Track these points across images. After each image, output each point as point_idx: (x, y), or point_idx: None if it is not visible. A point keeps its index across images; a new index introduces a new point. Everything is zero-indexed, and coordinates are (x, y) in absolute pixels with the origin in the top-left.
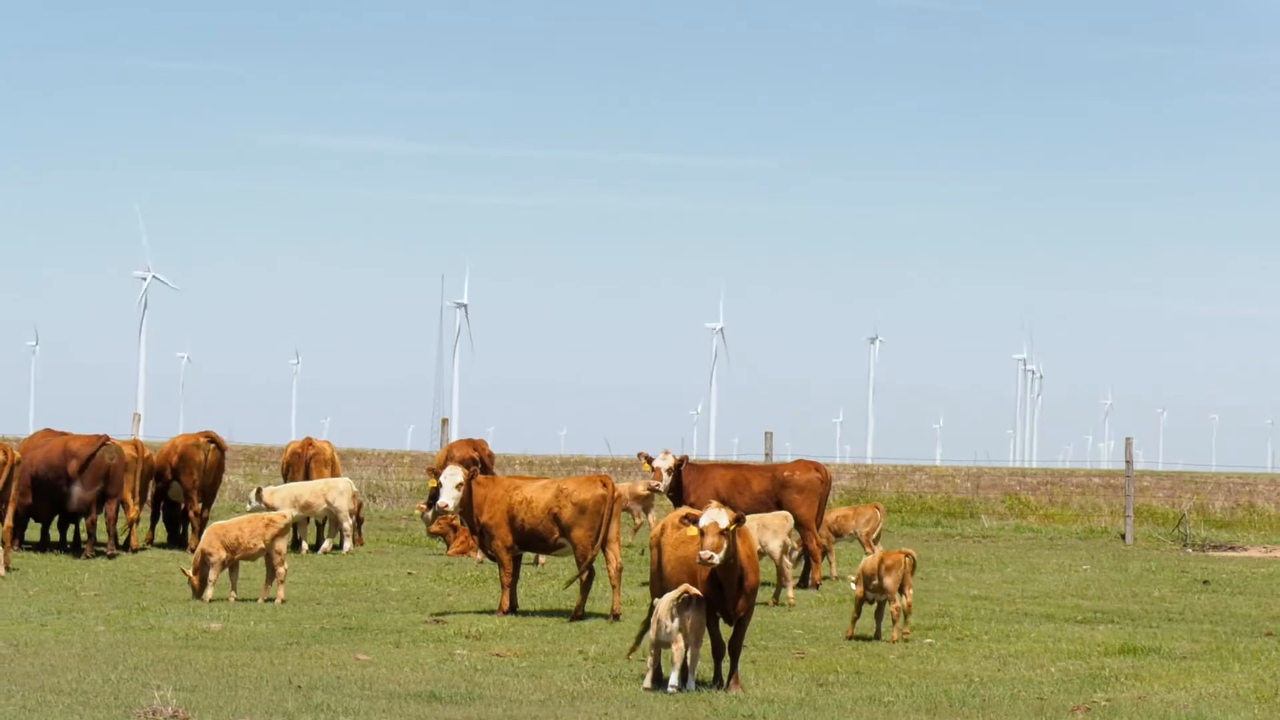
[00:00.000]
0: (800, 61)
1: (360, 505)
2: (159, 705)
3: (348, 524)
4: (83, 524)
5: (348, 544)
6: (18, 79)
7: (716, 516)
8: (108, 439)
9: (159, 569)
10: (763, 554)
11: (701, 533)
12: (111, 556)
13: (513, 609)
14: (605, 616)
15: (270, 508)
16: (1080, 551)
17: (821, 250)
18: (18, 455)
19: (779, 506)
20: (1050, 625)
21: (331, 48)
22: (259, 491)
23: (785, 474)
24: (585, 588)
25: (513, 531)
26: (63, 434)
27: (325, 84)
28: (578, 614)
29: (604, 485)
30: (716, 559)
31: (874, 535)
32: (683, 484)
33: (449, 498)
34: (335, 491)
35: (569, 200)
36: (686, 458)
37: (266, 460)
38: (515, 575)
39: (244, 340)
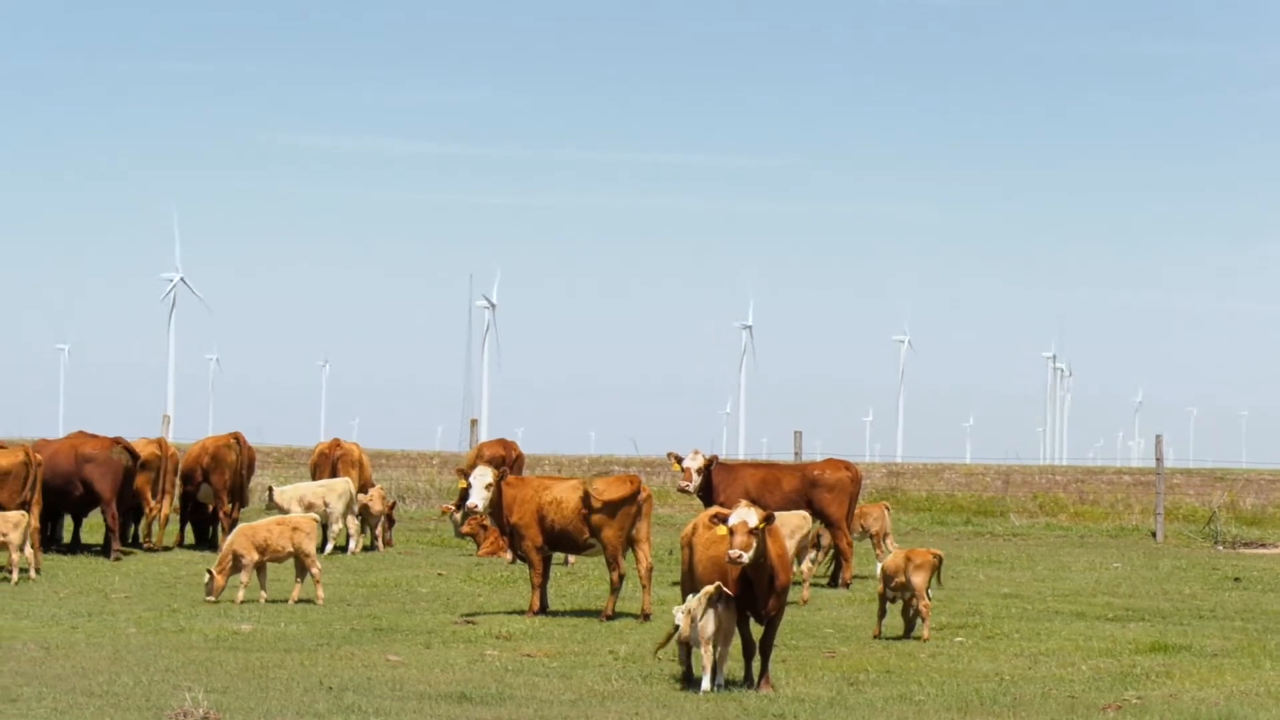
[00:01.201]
0: (830, 60)
1: (392, 506)
2: (190, 707)
3: (336, 526)
4: (86, 524)
5: (352, 544)
6: (45, 82)
7: (746, 516)
8: (120, 440)
9: (189, 571)
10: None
11: (731, 532)
12: (118, 558)
13: (543, 609)
14: (636, 616)
15: (281, 508)
16: (1111, 549)
17: (850, 249)
18: (39, 458)
19: (809, 505)
20: (1081, 623)
21: (361, 49)
22: (271, 491)
23: (815, 473)
24: (616, 588)
25: (543, 532)
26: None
27: (353, 85)
28: (608, 614)
29: (633, 485)
30: (745, 558)
31: (883, 533)
32: (713, 484)
33: (478, 498)
34: (333, 494)
35: (598, 200)
36: (716, 457)
37: (295, 461)
38: (545, 576)
39: (273, 342)
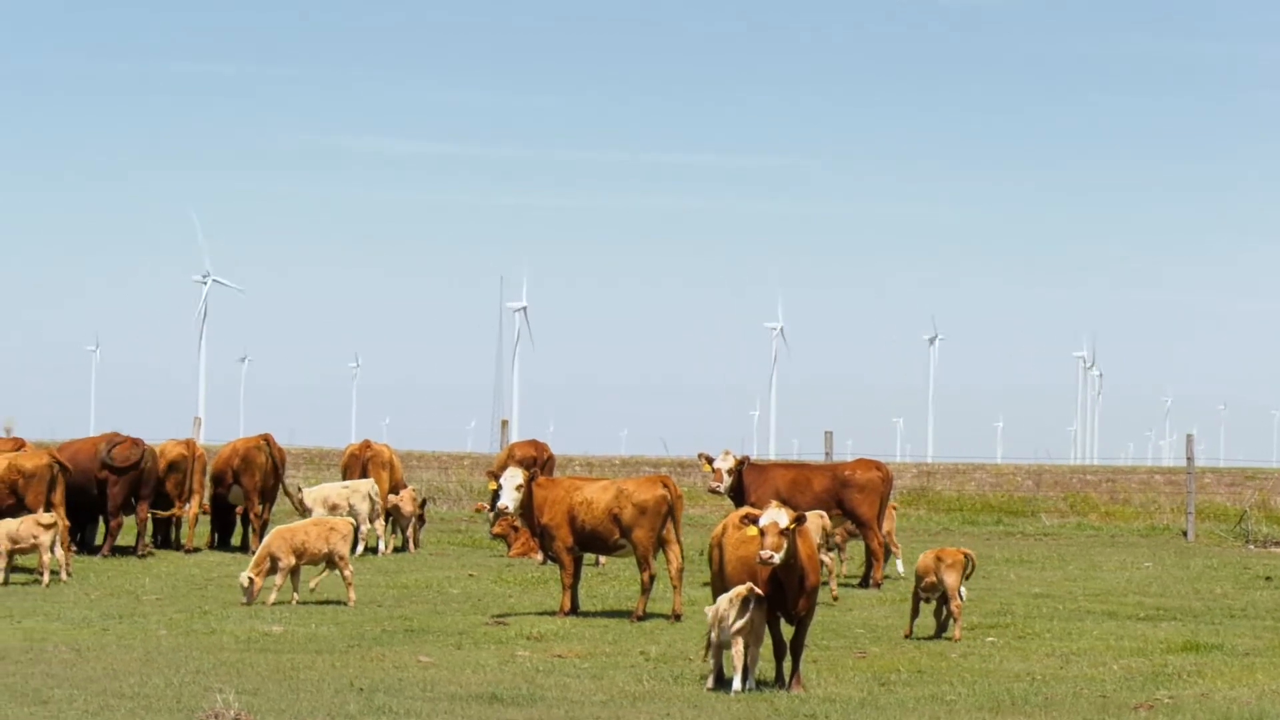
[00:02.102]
0: (861, 61)
1: (423, 505)
2: (221, 708)
3: (365, 528)
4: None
5: (382, 546)
6: (73, 85)
7: (776, 516)
8: (138, 442)
9: (220, 573)
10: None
11: (761, 533)
12: (143, 555)
13: (574, 610)
14: (667, 617)
15: (308, 509)
16: (1142, 549)
17: (880, 249)
18: (63, 461)
19: (840, 506)
20: (1112, 623)
21: (397, 51)
22: (299, 491)
23: (846, 473)
24: (646, 589)
25: (574, 532)
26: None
27: (386, 87)
28: (639, 615)
29: (664, 486)
30: (776, 559)
31: (889, 533)
32: (744, 484)
33: (509, 499)
34: (358, 495)
35: (628, 201)
36: (748, 458)
37: (327, 463)
38: (576, 576)
39: (304, 343)
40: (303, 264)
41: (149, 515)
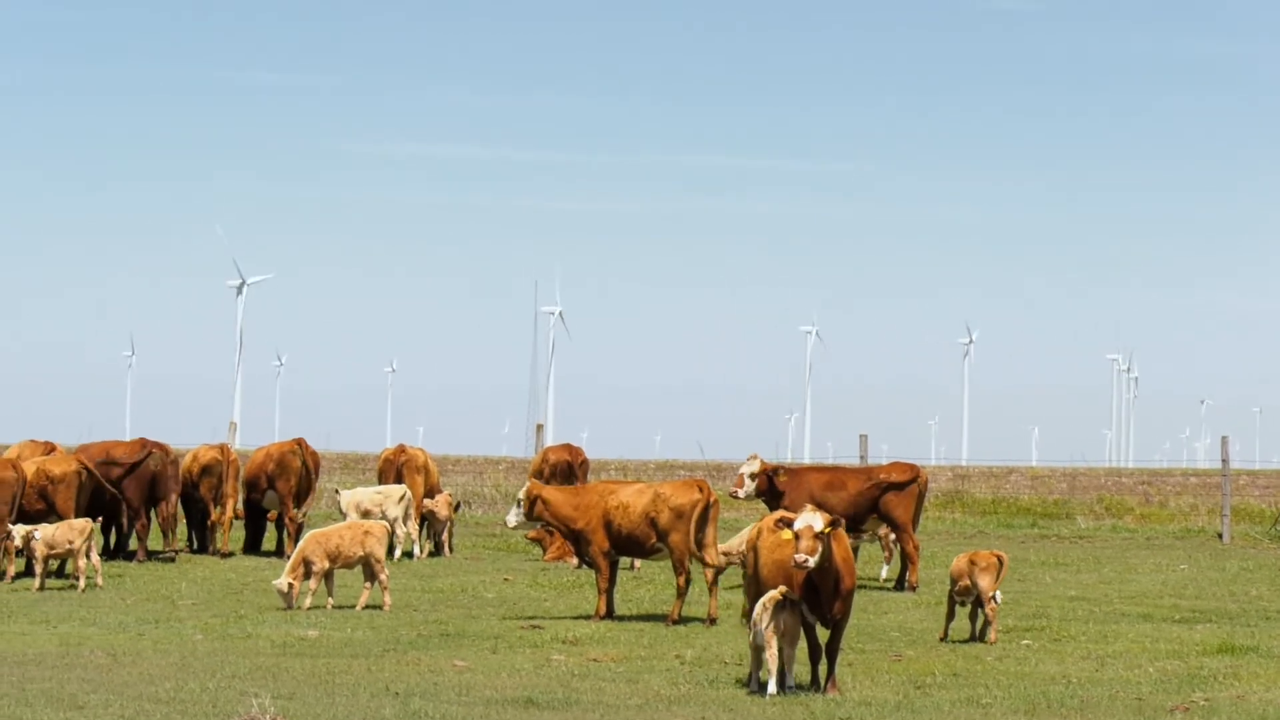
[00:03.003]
0: (892, 66)
1: (455, 508)
2: (257, 713)
3: (400, 531)
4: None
5: (416, 550)
6: (110, 89)
7: (811, 520)
8: (152, 444)
9: (255, 577)
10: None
11: (797, 536)
12: (169, 558)
13: (609, 614)
14: (702, 621)
15: (343, 513)
16: (1177, 551)
17: (915, 252)
18: (91, 466)
19: (875, 509)
20: (1148, 625)
21: (429, 56)
22: (340, 494)
23: (882, 476)
24: (682, 592)
25: (609, 536)
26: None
27: (419, 92)
28: (674, 618)
29: (701, 490)
30: (811, 563)
31: (892, 537)
32: (776, 490)
33: (511, 517)
34: (391, 500)
35: (662, 205)
36: (780, 467)
37: (362, 467)
38: (612, 580)
39: (339, 348)
40: (338, 269)
41: (174, 516)
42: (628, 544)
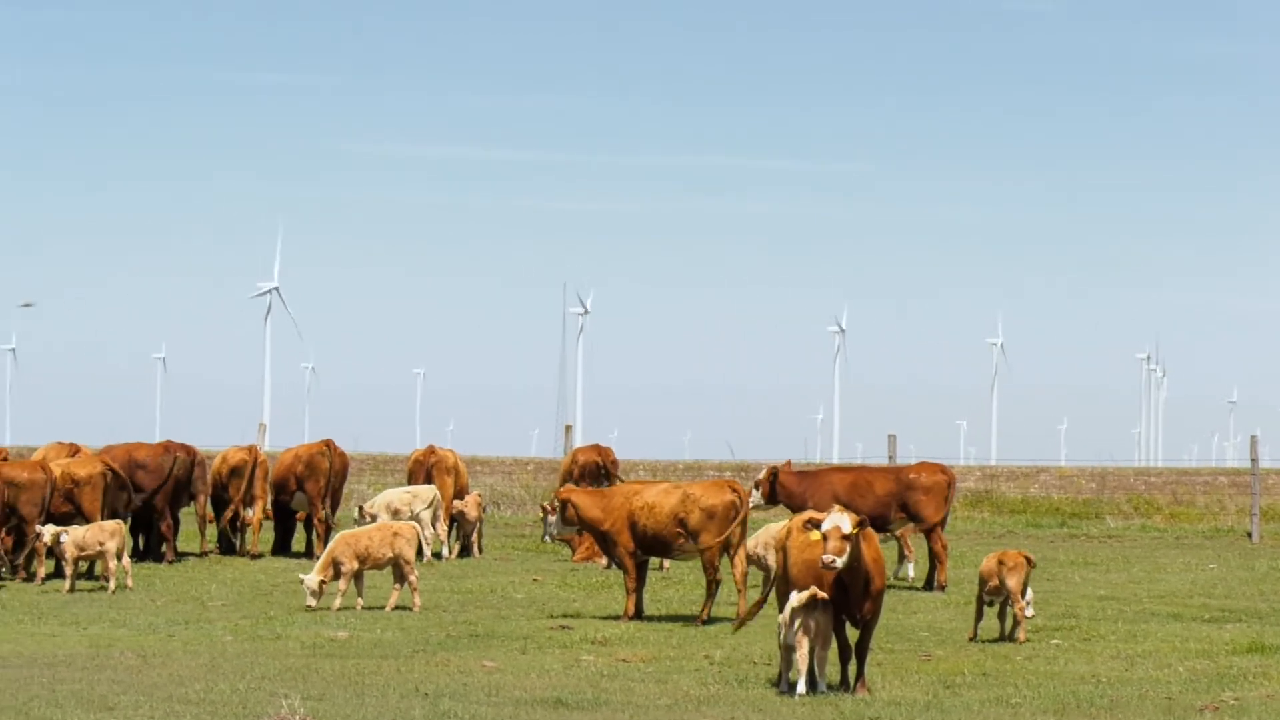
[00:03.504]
0: (920, 64)
1: (482, 509)
2: (286, 714)
3: (428, 532)
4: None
5: (445, 551)
6: (141, 92)
7: (839, 521)
8: (177, 446)
9: (285, 578)
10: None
11: (825, 537)
12: (173, 561)
13: (639, 614)
14: (731, 621)
15: (372, 518)
16: (1206, 550)
17: (942, 252)
18: (115, 467)
19: (903, 509)
20: (1177, 625)
21: (453, 58)
22: (360, 510)
23: (911, 476)
24: (711, 593)
25: (635, 537)
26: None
27: (445, 93)
28: (703, 619)
29: (733, 490)
30: (839, 563)
31: (906, 535)
32: (786, 490)
33: (554, 528)
34: (420, 500)
35: (691, 205)
36: (788, 463)
37: (390, 469)
38: (641, 581)
39: (368, 350)
40: (366, 271)
41: (205, 517)
42: (655, 544)
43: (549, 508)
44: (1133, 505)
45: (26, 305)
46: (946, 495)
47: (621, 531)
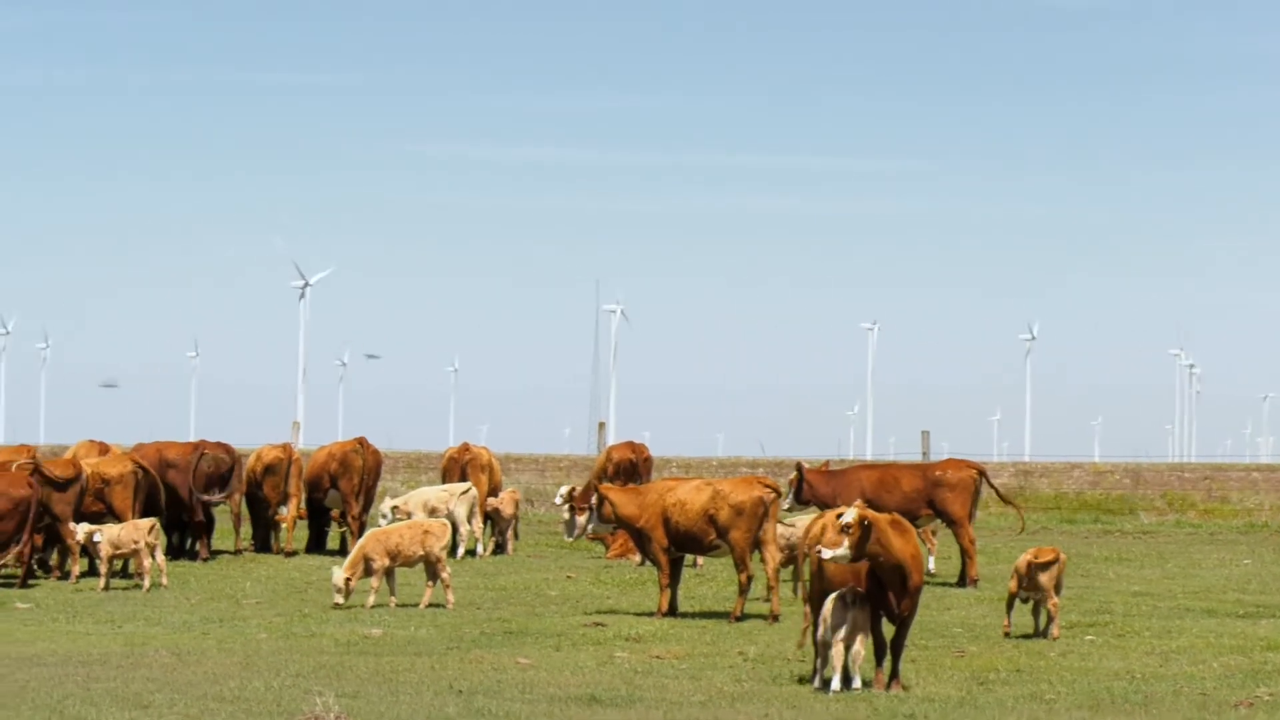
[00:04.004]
0: (946, 62)
1: (517, 506)
2: (321, 711)
3: (463, 529)
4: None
5: (480, 548)
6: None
7: (845, 515)
8: (210, 445)
9: (319, 576)
10: None
11: (822, 530)
12: (206, 559)
13: (672, 611)
14: (764, 618)
15: (407, 515)
16: (1241, 546)
17: (975, 249)
18: (146, 466)
19: (930, 505)
20: (1212, 620)
21: (491, 59)
22: (388, 504)
23: (938, 473)
24: (744, 589)
25: (668, 534)
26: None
27: (480, 93)
28: (737, 615)
29: (763, 486)
30: (828, 554)
31: (932, 530)
32: (818, 490)
33: (591, 524)
34: (454, 498)
35: (723, 204)
36: (802, 466)
37: (425, 466)
38: (675, 578)
39: (402, 348)
40: (400, 269)
41: (240, 515)
42: (687, 541)
43: (577, 504)
44: (1167, 501)
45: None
46: (974, 492)
47: (656, 528)
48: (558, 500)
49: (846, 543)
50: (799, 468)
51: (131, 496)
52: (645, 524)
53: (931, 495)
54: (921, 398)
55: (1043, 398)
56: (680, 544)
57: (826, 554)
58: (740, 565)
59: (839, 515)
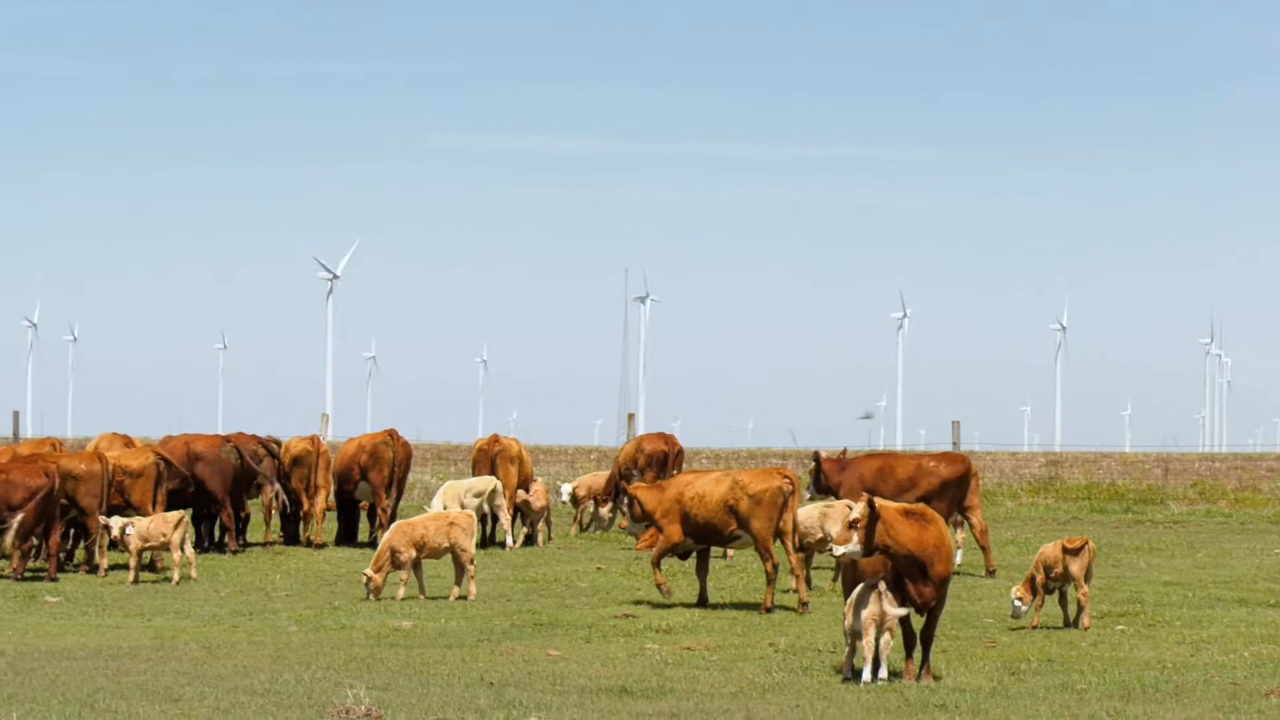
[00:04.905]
0: (980, 51)
1: (547, 498)
2: (352, 704)
3: (505, 519)
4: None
5: (510, 540)
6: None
7: (854, 511)
8: (229, 439)
9: (349, 568)
10: (825, 540)
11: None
12: (236, 551)
13: (702, 603)
14: (793, 609)
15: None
16: (1272, 535)
17: (1006, 239)
18: (168, 458)
19: (924, 497)
20: (1243, 610)
21: (512, 49)
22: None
23: (930, 464)
24: (771, 579)
25: (688, 527)
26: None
27: (508, 84)
28: (767, 606)
29: (782, 476)
30: (840, 551)
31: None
32: (830, 479)
33: (629, 526)
34: (473, 492)
35: (753, 194)
36: (818, 452)
37: (454, 458)
38: (703, 569)
39: (430, 339)
40: (428, 261)
41: (271, 507)
42: (706, 532)
43: (600, 498)
44: (1198, 490)
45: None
46: (967, 485)
47: (674, 521)
48: (564, 499)
49: (855, 538)
50: (816, 456)
51: (153, 489)
52: (662, 517)
53: (921, 484)
54: (952, 388)
55: (1073, 388)
56: (701, 536)
57: (839, 550)
58: (765, 555)
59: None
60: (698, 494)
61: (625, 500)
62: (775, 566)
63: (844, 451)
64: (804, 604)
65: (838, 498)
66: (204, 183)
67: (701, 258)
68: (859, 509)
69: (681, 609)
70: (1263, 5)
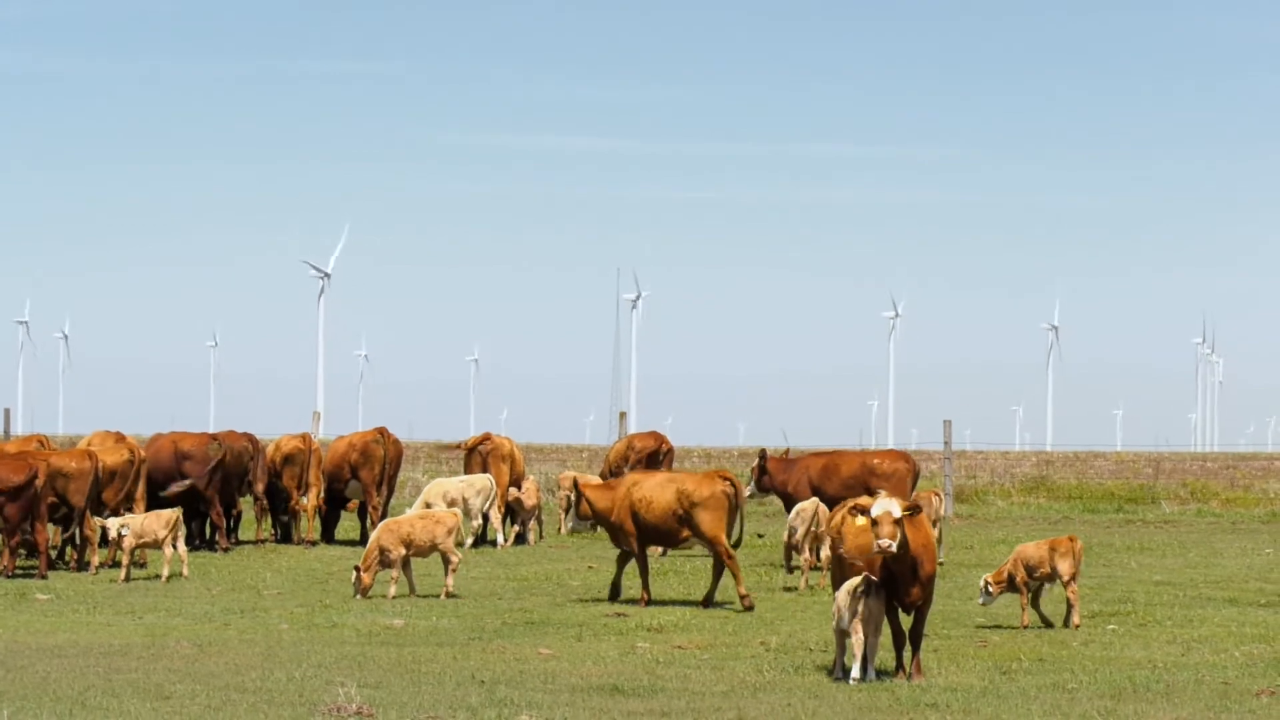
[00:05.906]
0: (969, 49)
1: (539, 496)
2: (343, 702)
3: (475, 522)
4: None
5: (500, 539)
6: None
7: (889, 506)
8: (215, 437)
9: (341, 566)
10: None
11: (875, 522)
12: (226, 549)
13: (614, 596)
14: (783, 607)
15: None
16: (1263, 535)
17: (997, 238)
18: (144, 456)
19: (868, 493)
20: (1234, 609)
21: (509, 46)
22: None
23: (874, 461)
24: (736, 575)
25: (635, 526)
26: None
27: (502, 82)
28: (747, 603)
29: (724, 480)
30: (893, 547)
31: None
32: (775, 477)
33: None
34: (473, 489)
35: (744, 193)
36: (765, 454)
37: (445, 456)
38: (623, 559)
39: (422, 337)
40: (419, 259)
41: (263, 505)
42: (656, 536)
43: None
44: (1189, 490)
45: None
46: (907, 482)
47: (625, 522)
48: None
49: (901, 534)
50: (762, 454)
51: (124, 487)
52: (616, 519)
53: (867, 483)
54: (944, 387)
55: (1065, 388)
56: (652, 539)
57: (894, 546)
58: (724, 555)
59: (853, 509)
60: (644, 497)
61: (574, 496)
62: (731, 557)
63: (787, 450)
64: (743, 596)
65: (782, 496)
66: (195, 181)
67: (693, 256)
68: (899, 504)
69: (673, 608)
70: (1258, 4)
